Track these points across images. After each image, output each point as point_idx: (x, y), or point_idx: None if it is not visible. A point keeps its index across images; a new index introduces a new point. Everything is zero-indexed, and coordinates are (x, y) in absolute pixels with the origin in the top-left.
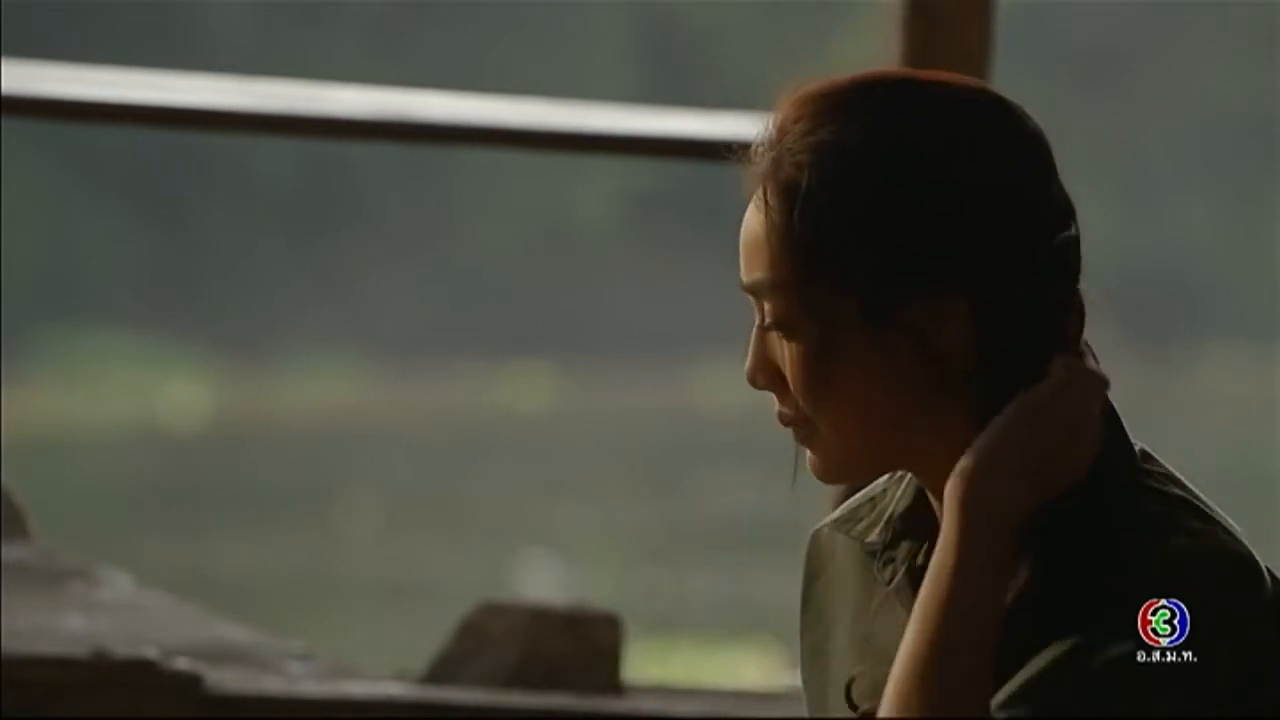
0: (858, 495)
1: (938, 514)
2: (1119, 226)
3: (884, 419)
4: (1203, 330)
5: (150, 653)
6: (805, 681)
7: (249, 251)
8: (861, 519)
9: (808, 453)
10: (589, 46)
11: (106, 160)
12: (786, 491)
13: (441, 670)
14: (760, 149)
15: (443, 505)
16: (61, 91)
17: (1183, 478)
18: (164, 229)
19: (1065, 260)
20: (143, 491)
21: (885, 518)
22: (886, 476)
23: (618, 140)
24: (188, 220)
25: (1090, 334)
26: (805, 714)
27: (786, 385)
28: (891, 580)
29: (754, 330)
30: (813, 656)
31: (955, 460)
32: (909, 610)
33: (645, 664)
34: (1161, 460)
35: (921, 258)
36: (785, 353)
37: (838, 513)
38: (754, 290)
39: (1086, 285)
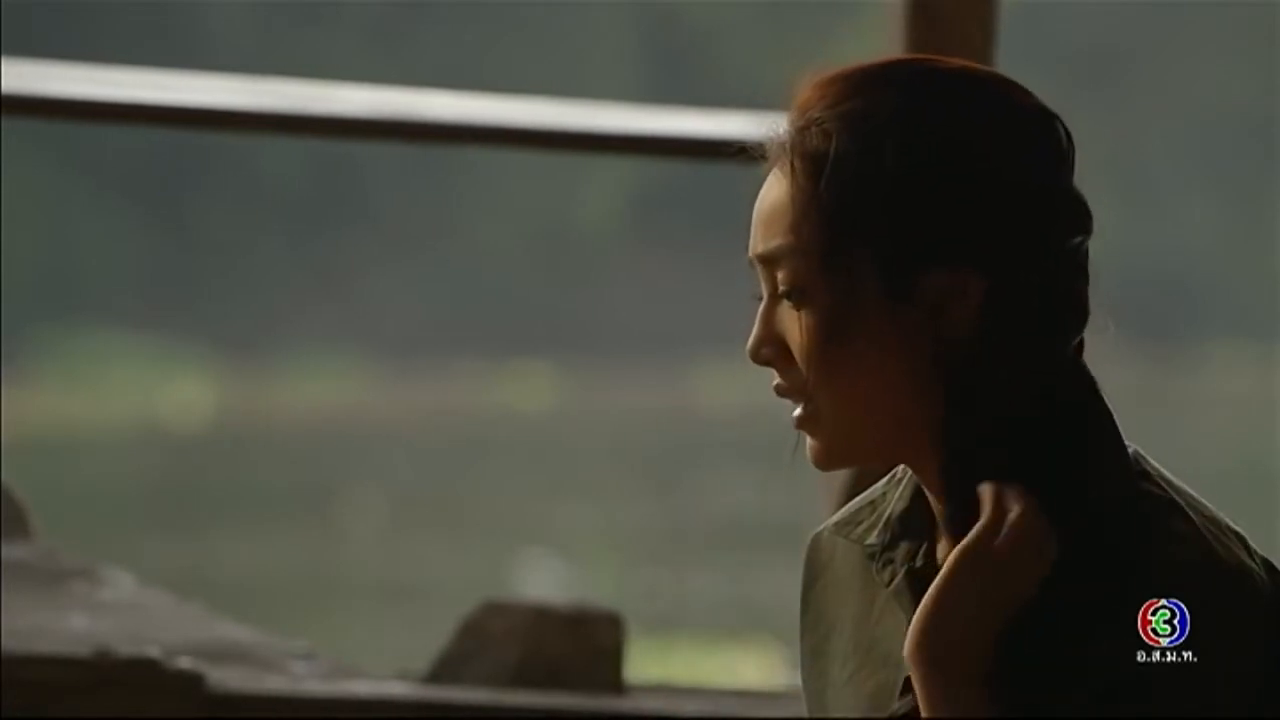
0: (858, 499)
1: (936, 513)
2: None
3: (886, 399)
4: (1203, 330)
5: (152, 652)
6: (805, 683)
7: (249, 251)
8: (861, 522)
9: (808, 440)
10: (589, 46)
11: (107, 160)
12: (786, 492)
13: (443, 670)
14: (782, 128)
15: (443, 505)
16: (62, 91)
17: (1174, 479)
18: (165, 228)
19: (1077, 252)
20: (144, 491)
21: (884, 520)
22: (885, 480)
23: (619, 140)
24: (188, 220)
25: (1090, 334)
26: (805, 714)
27: (791, 359)
28: (891, 582)
29: (763, 302)
30: (812, 658)
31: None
32: (909, 612)
33: (645, 664)
34: (1153, 462)
35: (945, 229)
36: (797, 322)
37: (838, 516)
38: (770, 258)
39: (1096, 288)
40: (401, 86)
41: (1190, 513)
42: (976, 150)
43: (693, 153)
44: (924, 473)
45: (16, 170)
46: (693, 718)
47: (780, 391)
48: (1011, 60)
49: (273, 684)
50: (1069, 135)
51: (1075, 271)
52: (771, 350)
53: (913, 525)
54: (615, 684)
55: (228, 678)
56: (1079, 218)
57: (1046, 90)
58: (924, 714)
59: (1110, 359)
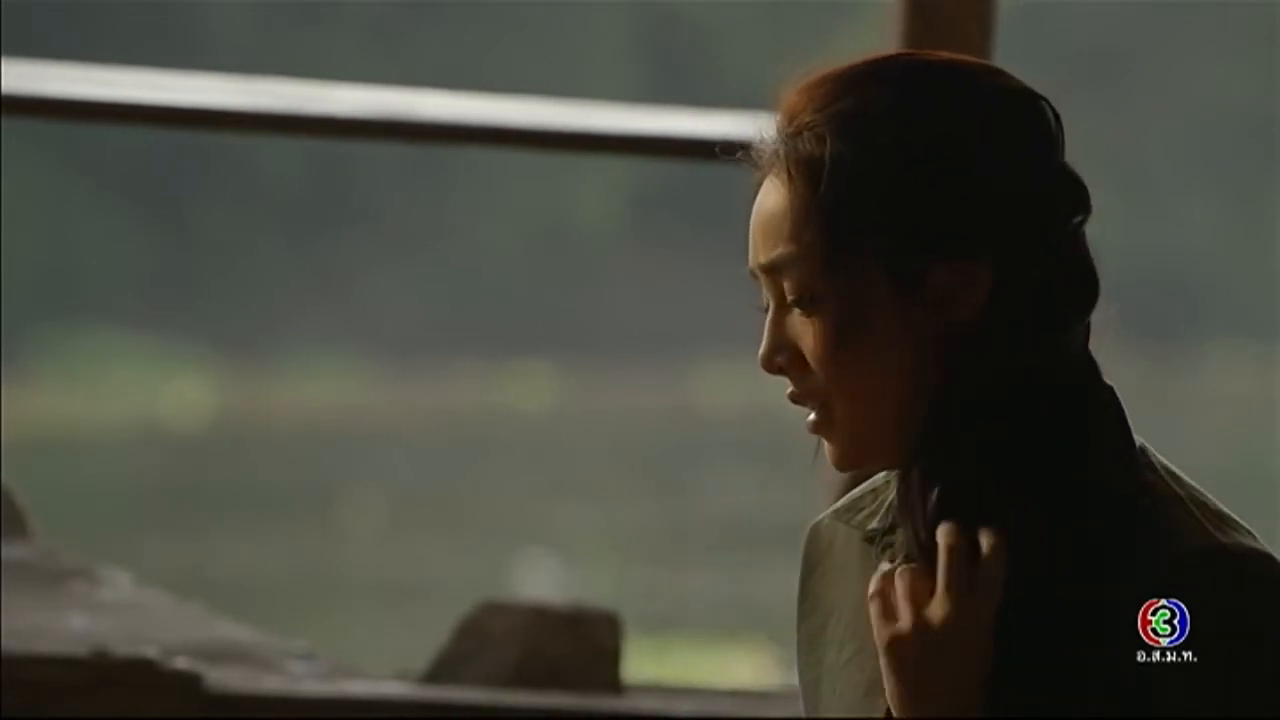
0: (859, 487)
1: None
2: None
3: (900, 397)
4: (1203, 330)
5: (151, 652)
6: (801, 670)
7: (249, 251)
8: (863, 509)
9: (825, 445)
10: (589, 46)
11: (107, 160)
12: (786, 492)
13: (442, 670)
14: (769, 136)
15: (443, 505)
16: (62, 91)
17: (1181, 473)
18: (165, 228)
19: (1079, 230)
20: (143, 491)
21: (885, 506)
22: (888, 470)
23: (618, 140)
24: (188, 220)
25: (1093, 331)
26: (803, 713)
27: (804, 365)
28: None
29: (770, 311)
30: (809, 645)
31: None
32: None
33: (644, 664)
34: (1160, 456)
35: (948, 221)
36: (809, 328)
37: (838, 504)
38: (774, 267)
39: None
40: (400, 87)
41: (1193, 506)
42: (971, 139)
43: (692, 153)
44: None
45: (16, 170)
46: (692, 718)
47: (795, 399)
48: (1011, 60)
49: (271, 684)
50: (1057, 115)
51: (1080, 249)
52: (784, 358)
53: None
54: (614, 684)
55: (227, 678)
56: (1078, 196)
57: (1046, 91)
58: None
59: (1110, 359)
